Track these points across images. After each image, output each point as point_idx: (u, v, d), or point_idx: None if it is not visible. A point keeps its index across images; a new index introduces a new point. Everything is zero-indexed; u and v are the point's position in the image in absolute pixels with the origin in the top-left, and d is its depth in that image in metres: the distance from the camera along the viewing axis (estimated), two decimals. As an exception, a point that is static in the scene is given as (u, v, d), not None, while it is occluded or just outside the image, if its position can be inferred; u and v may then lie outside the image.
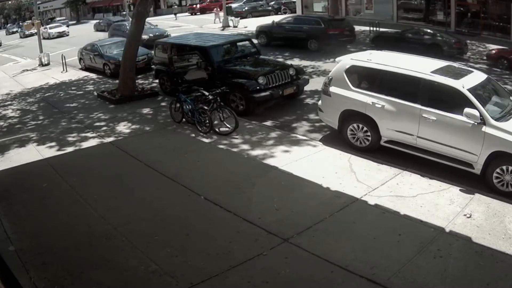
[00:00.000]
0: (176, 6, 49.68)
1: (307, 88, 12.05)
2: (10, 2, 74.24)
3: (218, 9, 33.20)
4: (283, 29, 20.31)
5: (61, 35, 38.15)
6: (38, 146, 9.79)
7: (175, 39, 14.78)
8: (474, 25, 21.75)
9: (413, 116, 7.46)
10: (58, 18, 58.43)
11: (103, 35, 28.26)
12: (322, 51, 17.94)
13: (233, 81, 10.76)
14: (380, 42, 17.53)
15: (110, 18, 46.83)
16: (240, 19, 31.17)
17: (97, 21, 45.66)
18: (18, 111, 13.33)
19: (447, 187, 6.66)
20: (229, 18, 30.50)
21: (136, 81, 14.42)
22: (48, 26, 39.88)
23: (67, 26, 42.83)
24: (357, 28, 24.03)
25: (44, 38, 35.79)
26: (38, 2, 42.24)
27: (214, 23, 32.44)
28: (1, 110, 13.68)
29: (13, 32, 52.37)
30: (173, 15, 42.56)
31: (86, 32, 38.06)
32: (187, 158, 8.38)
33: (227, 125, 9.45)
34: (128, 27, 19.92)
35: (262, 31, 21.30)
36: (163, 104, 12.38)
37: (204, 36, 14.20)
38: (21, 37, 42.34)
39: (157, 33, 23.27)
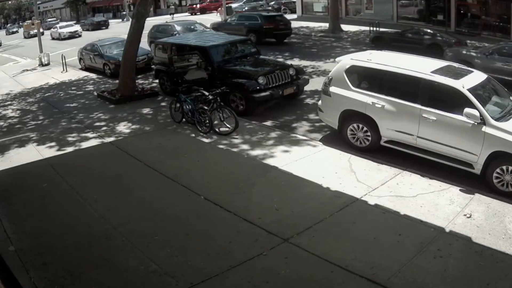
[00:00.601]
0: (173, 6, 49.62)
1: (307, 88, 12.04)
2: (10, 2, 74.35)
3: (222, 9, 33.13)
4: (230, 25, 22.71)
5: (73, 35, 35.53)
6: (38, 146, 9.79)
7: (175, 39, 14.77)
8: (474, 25, 21.70)
9: (413, 116, 7.45)
10: (49, 19, 57.08)
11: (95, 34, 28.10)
12: (260, 43, 19.48)
13: (233, 81, 10.76)
14: (380, 42, 17.50)
15: (93, 18, 48.69)
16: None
17: (82, 21, 47.69)
18: (18, 111, 13.33)
19: (447, 187, 6.66)
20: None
21: (136, 81, 14.42)
22: (58, 26, 38.42)
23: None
24: (357, 28, 24.14)
25: (53, 39, 35.58)
26: (38, 2, 42.19)
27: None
28: (1, 110, 13.69)
29: (13, 32, 52.20)
30: (171, 16, 42.53)
31: (85, 32, 38.05)
32: (187, 158, 8.39)
33: (227, 125, 9.45)
34: (176, 29, 20.05)
35: (214, 28, 23.75)
36: (163, 104, 12.38)
37: (204, 36, 14.19)
38: (25, 37, 41.69)
39: None
